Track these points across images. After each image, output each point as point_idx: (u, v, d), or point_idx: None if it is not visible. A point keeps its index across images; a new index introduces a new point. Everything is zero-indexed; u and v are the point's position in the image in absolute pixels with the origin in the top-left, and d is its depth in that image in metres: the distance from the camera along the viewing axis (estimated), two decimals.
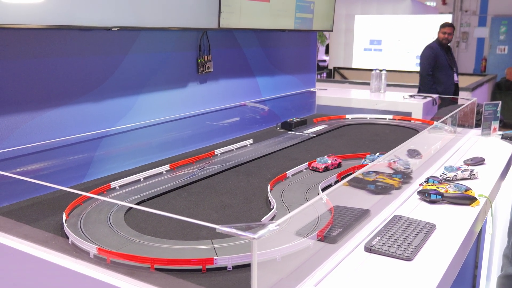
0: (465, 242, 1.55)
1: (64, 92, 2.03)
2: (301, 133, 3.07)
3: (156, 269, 1.30)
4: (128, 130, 2.31)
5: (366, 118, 3.57)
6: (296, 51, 3.68)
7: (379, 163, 1.95)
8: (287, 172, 2.14)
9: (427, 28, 9.16)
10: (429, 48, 5.89)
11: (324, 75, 9.44)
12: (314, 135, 3.02)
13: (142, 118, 2.38)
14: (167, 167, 2.25)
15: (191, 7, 2.42)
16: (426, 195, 1.84)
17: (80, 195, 1.76)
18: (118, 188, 1.98)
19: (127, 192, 1.95)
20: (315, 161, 2.26)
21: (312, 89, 3.93)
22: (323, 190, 1.96)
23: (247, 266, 1.32)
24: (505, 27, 11.70)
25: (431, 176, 2.03)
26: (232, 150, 2.65)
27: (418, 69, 8.87)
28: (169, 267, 1.31)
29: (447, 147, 2.58)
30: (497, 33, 11.81)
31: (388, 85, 5.18)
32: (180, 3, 2.35)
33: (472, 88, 6.04)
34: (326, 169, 2.22)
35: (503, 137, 2.05)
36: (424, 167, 2.24)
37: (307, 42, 3.80)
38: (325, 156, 2.31)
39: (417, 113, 4.28)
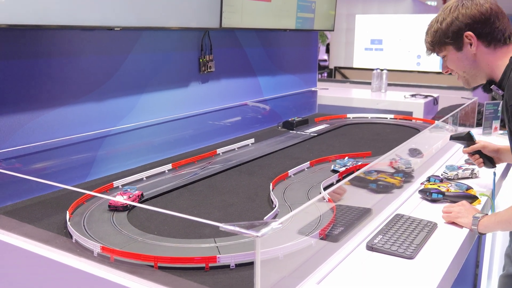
0: (466, 241, 1.56)
1: (66, 91, 2.04)
2: (303, 133, 3.08)
3: (160, 267, 1.31)
4: (130, 129, 2.32)
5: (367, 117, 3.57)
6: (298, 51, 3.69)
7: (380, 162, 1.95)
8: (289, 171, 2.15)
9: None
10: None
11: (325, 74, 9.44)
12: (316, 134, 3.03)
13: (144, 118, 2.39)
14: (169, 166, 2.26)
15: (193, 7, 2.42)
16: (428, 194, 1.84)
17: (83, 194, 1.77)
18: (120, 187, 1.99)
19: None
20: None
21: (313, 89, 3.94)
22: (325, 189, 1.97)
23: (250, 264, 1.32)
24: None
25: (433, 175, 2.04)
26: (234, 149, 2.66)
27: (419, 68, 8.84)
28: (173, 266, 1.32)
29: (448, 146, 2.58)
30: None
31: (389, 84, 5.18)
32: (182, 3, 2.35)
33: (473, 88, 6.03)
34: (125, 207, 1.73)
35: (452, 138, 2.07)
36: (425, 166, 2.25)
37: (308, 41, 3.81)
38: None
39: (418, 113, 4.28)
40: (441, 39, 1.67)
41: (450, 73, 1.76)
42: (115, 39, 2.21)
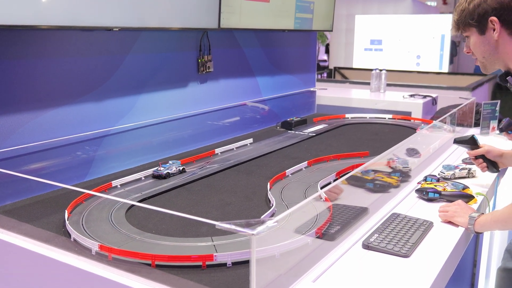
0: (461, 240, 1.57)
1: (65, 91, 2.05)
2: (301, 133, 3.09)
3: (157, 265, 1.32)
4: (129, 129, 2.33)
5: (366, 117, 3.58)
6: (296, 51, 3.70)
7: (377, 162, 1.96)
8: (286, 171, 2.16)
9: (427, 28, 9.17)
10: None
11: (325, 75, 9.45)
12: (314, 134, 3.04)
13: (143, 118, 2.40)
14: None
15: (191, 7, 2.43)
16: (424, 193, 1.85)
17: (82, 193, 1.78)
18: (119, 186, 2.00)
19: (128, 191, 1.97)
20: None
21: (312, 89, 3.95)
22: (322, 188, 1.98)
23: (247, 262, 1.33)
24: None
25: (429, 175, 2.05)
26: (232, 149, 2.67)
27: (418, 69, 8.85)
28: (170, 264, 1.33)
29: (446, 146, 2.59)
30: None
31: (388, 84, 5.18)
32: (180, 3, 2.37)
33: (472, 88, 6.04)
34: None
35: (455, 142, 2.08)
36: (422, 165, 2.26)
37: (307, 42, 3.82)
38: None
39: (417, 113, 4.28)
40: (466, 20, 1.61)
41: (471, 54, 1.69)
42: (114, 40, 2.22)
